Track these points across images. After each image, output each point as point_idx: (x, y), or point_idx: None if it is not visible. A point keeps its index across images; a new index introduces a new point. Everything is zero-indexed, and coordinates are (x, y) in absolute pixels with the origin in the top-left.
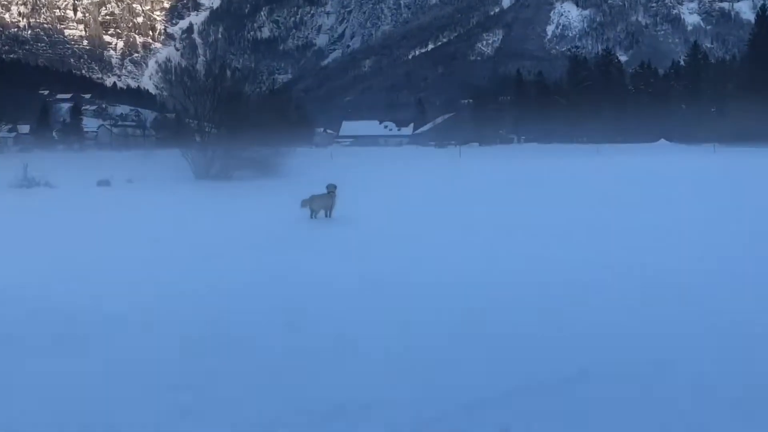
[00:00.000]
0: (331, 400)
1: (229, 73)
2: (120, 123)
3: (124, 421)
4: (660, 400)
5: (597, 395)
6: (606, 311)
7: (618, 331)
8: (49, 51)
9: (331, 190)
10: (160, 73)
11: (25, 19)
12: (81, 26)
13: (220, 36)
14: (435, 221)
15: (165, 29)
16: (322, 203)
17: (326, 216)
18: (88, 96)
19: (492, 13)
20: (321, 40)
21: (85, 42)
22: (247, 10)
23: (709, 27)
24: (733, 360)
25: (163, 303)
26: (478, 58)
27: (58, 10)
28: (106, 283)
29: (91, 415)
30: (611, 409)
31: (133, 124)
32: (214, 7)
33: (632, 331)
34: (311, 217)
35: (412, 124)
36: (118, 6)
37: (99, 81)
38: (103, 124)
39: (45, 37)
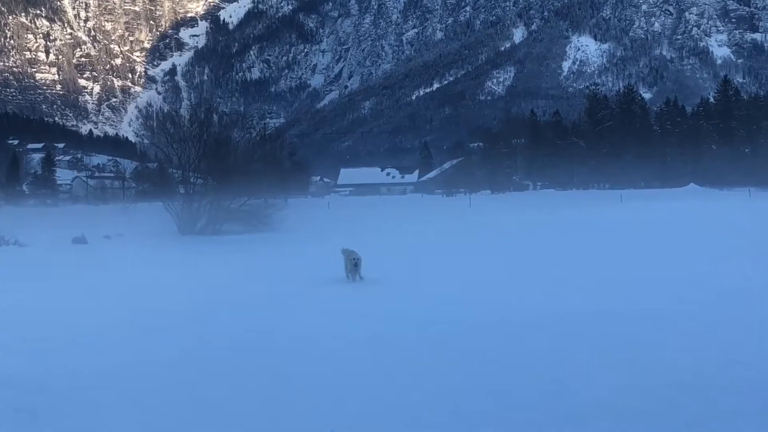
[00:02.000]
0: None
1: (216, 118)
2: (97, 174)
3: None
4: None
5: None
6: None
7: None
8: (19, 97)
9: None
10: (140, 120)
11: None
12: (54, 69)
13: (205, 78)
14: (448, 288)
15: (145, 71)
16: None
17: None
18: (61, 145)
19: (503, 48)
20: (316, 81)
21: (59, 86)
22: (235, 50)
23: (740, 60)
24: None
25: (139, 370)
26: (489, 98)
27: (28, 53)
28: (77, 351)
29: None
30: None
31: (112, 175)
32: (199, 47)
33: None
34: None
35: (417, 171)
36: (94, 47)
37: (74, 129)
38: (78, 176)
39: (14, 82)
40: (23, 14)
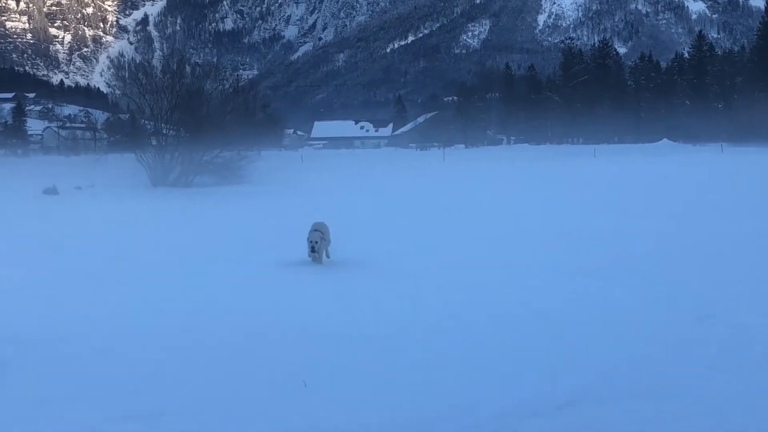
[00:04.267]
0: None
1: (188, 69)
2: (68, 125)
3: None
4: None
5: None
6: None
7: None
8: None
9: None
10: (112, 70)
11: None
12: (24, 18)
13: (178, 28)
14: (419, 239)
15: (117, 21)
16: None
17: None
18: (32, 95)
19: (478, 1)
20: (290, 32)
21: (29, 35)
22: (208, 0)
23: (715, 16)
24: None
25: (106, 323)
26: (463, 52)
27: None
28: (45, 303)
29: None
30: None
31: (83, 125)
32: None
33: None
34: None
35: (391, 125)
36: None
37: (44, 78)
38: (49, 126)
39: None
40: None
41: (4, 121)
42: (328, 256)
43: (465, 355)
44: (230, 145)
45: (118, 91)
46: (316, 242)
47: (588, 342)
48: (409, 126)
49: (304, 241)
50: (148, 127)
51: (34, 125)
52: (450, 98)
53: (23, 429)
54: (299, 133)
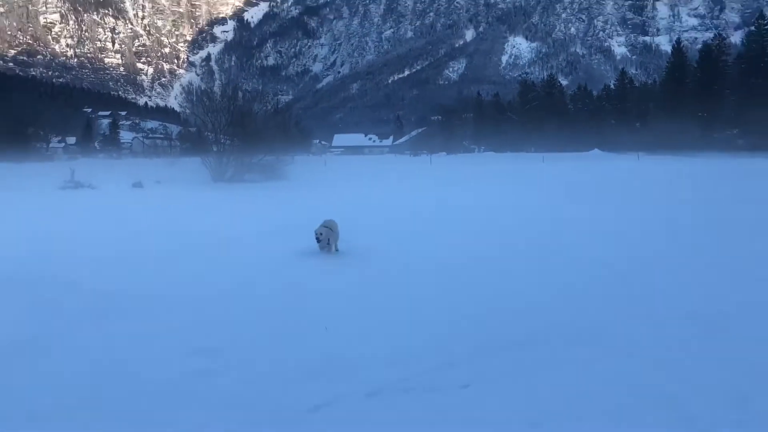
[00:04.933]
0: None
1: (240, 94)
2: (150, 135)
3: (153, 378)
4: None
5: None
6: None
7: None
8: (92, 76)
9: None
10: (183, 94)
11: (71, 50)
12: (118, 56)
13: (233, 63)
14: (406, 213)
15: (188, 58)
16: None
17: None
18: (123, 113)
19: (457, 45)
20: (316, 67)
21: (122, 68)
22: (255, 42)
23: (634, 57)
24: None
25: (175, 283)
26: (446, 82)
27: (99, 42)
28: (137, 265)
29: (129, 368)
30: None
31: (161, 136)
32: (228, 40)
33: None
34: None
35: (391, 137)
36: (148, 39)
37: (133, 101)
38: (136, 136)
39: (88, 65)
40: (95, 13)
41: (103, 132)
42: (336, 249)
43: (443, 304)
44: (271, 151)
45: (187, 111)
46: (321, 234)
47: (541, 296)
48: (405, 138)
49: (322, 220)
50: (210, 137)
51: (125, 135)
52: (436, 117)
53: (121, 354)
54: (323, 142)
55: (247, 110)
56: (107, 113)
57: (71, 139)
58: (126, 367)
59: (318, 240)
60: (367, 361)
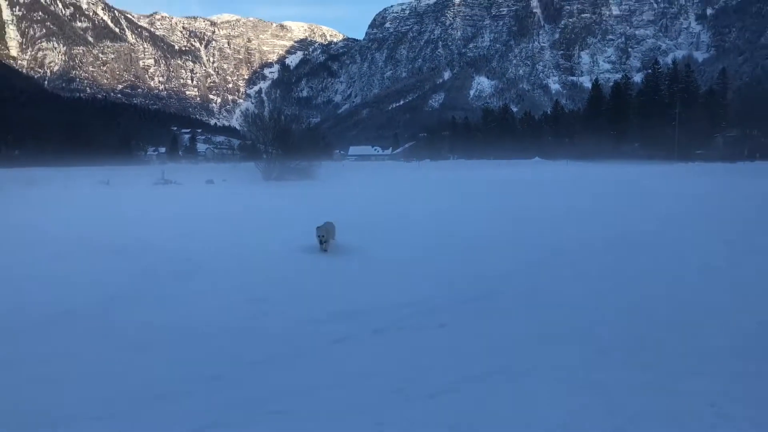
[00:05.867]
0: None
1: (282, 117)
2: (219, 147)
3: (221, 320)
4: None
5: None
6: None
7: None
8: (177, 104)
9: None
10: (242, 117)
11: (162, 85)
12: (195, 89)
13: (277, 95)
14: (401, 194)
15: (245, 91)
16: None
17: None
18: (200, 130)
19: (438, 82)
20: (337, 98)
21: (198, 99)
22: (293, 80)
23: (565, 91)
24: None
25: (237, 251)
26: (430, 109)
27: (182, 80)
28: (209, 239)
29: (201, 316)
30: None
31: (227, 147)
32: (274, 78)
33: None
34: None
35: (390, 148)
36: (217, 77)
37: (206, 121)
38: (209, 147)
39: (174, 95)
40: (179, 59)
41: (184, 144)
42: (325, 249)
43: (426, 270)
44: (304, 158)
45: (245, 129)
46: (323, 236)
47: (502, 266)
48: (400, 149)
49: (342, 207)
50: (261, 148)
51: (201, 147)
52: (423, 134)
53: (199, 304)
54: (341, 152)
55: (288, 129)
56: (188, 131)
57: (162, 149)
58: (203, 314)
59: (321, 241)
60: (373, 310)
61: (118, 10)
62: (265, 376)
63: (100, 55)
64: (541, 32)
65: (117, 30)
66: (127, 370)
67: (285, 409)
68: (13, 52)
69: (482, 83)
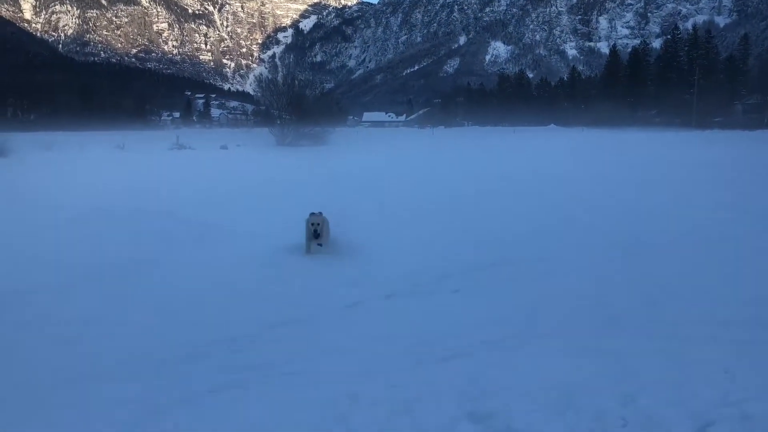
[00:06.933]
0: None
1: (296, 82)
2: (232, 112)
3: (237, 284)
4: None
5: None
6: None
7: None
8: (191, 69)
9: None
10: (256, 82)
11: (176, 49)
12: (209, 54)
13: (291, 60)
14: (410, 159)
15: (259, 56)
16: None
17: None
18: (213, 96)
19: (453, 47)
20: (351, 63)
21: (212, 63)
22: (307, 44)
23: (582, 57)
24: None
25: (257, 216)
26: (445, 75)
27: (195, 44)
28: (225, 204)
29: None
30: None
31: (240, 112)
32: (288, 43)
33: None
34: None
35: (405, 114)
36: (231, 42)
37: (220, 86)
38: (222, 113)
39: (188, 60)
40: (193, 23)
41: (198, 109)
42: (320, 244)
43: (441, 237)
44: (318, 124)
45: (259, 94)
46: (319, 224)
47: (512, 225)
48: (414, 115)
49: (354, 172)
50: (275, 113)
51: (214, 112)
52: (437, 100)
53: (215, 268)
54: (355, 118)
55: (302, 94)
56: (202, 95)
57: (176, 114)
58: (220, 278)
59: (316, 234)
60: (386, 276)
61: None
62: (281, 339)
63: (114, 18)
64: None
65: None
66: (145, 332)
67: (299, 370)
68: (27, 15)
69: (498, 49)
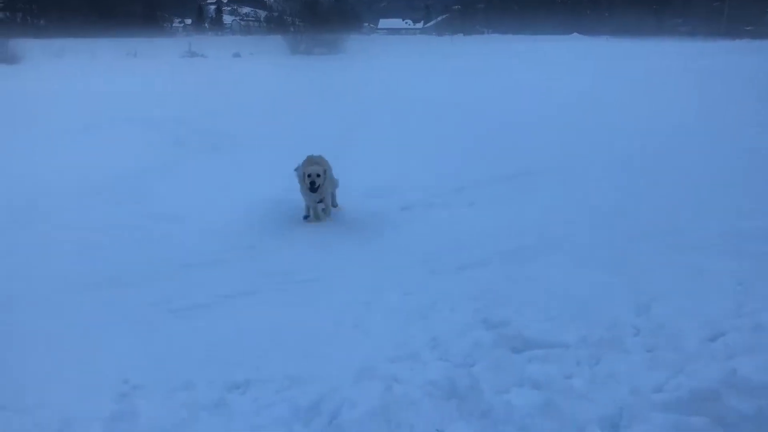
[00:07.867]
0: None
1: None
2: (245, 18)
3: (255, 192)
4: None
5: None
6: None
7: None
8: None
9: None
10: None
11: None
12: None
13: None
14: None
15: None
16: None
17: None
18: (225, 1)
19: None
20: None
21: None
22: None
23: None
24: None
25: (273, 126)
26: None
27: None
28: (239, 113)
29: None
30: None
31: (253, 19)
32: None
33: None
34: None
35: (422, 21)
36: None
37: None
38: (235, 19)
39: None
40: None
41: (210, 15)
42: (335, 205)
43: (457, 150)
44: (333, 31)
45: (273, 0)
46: (318, 175)
47: (529, 138)
48: (432, 23)
49: (372, 84)
50: (288, 20)
51: (227, 18)
52: (456, 6)
53: (230, 177)
54: (371, 25)
55: (316, 1)
56: (214, 1)
57: (188, 21)
58: (237, 187)
59: (314, 186)
60: (403, 188)
61: None
62: (297, 248)
63: None
64: None
65: None
66: (163, 238)
67: (315, 277)
68: None
69: None
